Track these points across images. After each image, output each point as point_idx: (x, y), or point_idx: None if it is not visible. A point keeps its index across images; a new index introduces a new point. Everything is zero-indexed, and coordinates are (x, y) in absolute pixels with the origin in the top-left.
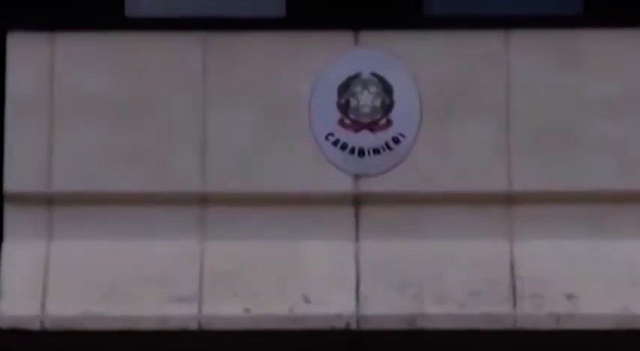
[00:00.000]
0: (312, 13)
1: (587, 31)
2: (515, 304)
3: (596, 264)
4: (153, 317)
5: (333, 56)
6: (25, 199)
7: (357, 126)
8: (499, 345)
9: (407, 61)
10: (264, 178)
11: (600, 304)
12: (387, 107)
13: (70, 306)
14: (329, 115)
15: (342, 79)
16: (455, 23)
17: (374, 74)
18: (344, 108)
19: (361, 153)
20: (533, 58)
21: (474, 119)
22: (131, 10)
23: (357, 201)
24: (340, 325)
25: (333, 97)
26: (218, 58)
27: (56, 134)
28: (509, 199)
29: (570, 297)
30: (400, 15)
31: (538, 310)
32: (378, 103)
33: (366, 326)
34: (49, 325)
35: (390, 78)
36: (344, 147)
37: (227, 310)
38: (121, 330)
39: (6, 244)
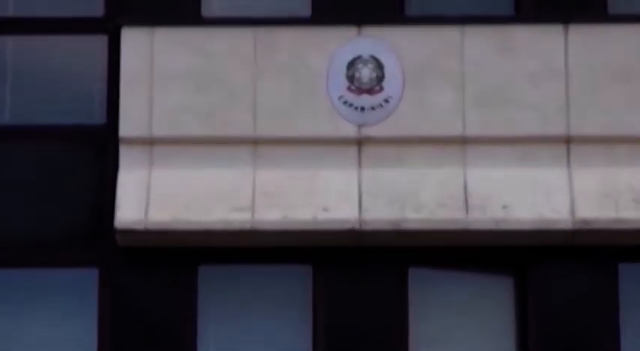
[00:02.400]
0: (328, 13)
1: (517, 26)
2: (467, 212)
3: (522, 185)
4: (220, 221)
5: (343, 43)
6: (133, 142)
7: (360, 91)
8: (456, 239)
9: (394, 46)
10: (296, 127)
11: (524, 212)
12: (380, 78)
13: (164, 214)
14: (340, 84)
15: (349, 59)
16: (426, 21)
17: (371, 56)
18: (350, 79)
19: (362, 109)
20: (480, 45)
21: (440, 86)
22: (206, 11)
23: (360, 142)
24: (348, 226)
25: (343, 72)
26: (264, 45)
27: (154, 97)
28: (463, 141)
29: (505, 207)
30: (389, 15)
31: (483, 216)
32: (374, 75)
33: (366, 227)
34: (150, 227)
35: (382, 58)
36: (350, 105)
37: (271, 216)
38: (199, 229)
39: (121, 173)
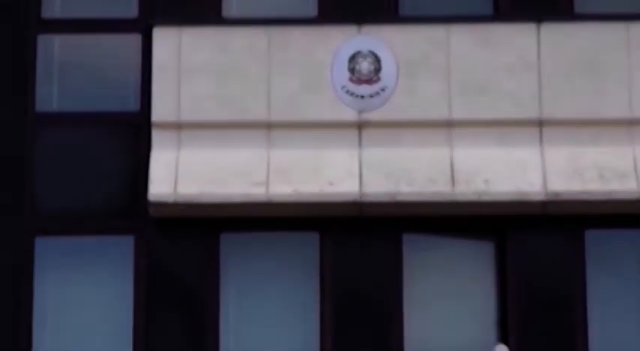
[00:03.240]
0: (332, 14)
1: (496, 24)
2: (453, 185)
3: (501, 162)
4: (239, 194)
5: (344, 40)
6: (164, 126)
7: (360, 81)
8: (444, 209)
9: (389, 43)
10: (305, 112)
11: (503, 185)
12: (377, 70)
13: (190, 188)
14: (343, 75)
15: (350, 53)
16: (417, 20)
17: (369, 51)
18: (352, 71)
19: (362, 97)
20: (463, 41)
21: (429, 77)
22: (226, 12)
23: (360, 126)
24: (350, 198)
25: (345, 65)
26: (276, 41)
27: (181, 87)
28: (449, 124)
29: (486, 181)
30: (385, 15)
31: (467, 189)
32: (372, 68)
33: (366, 199)
34: (178, 200)
35: (379, 53)
36: (352, 94)
37: (283, 190)
38: (221, 202)
39: (153, 153)
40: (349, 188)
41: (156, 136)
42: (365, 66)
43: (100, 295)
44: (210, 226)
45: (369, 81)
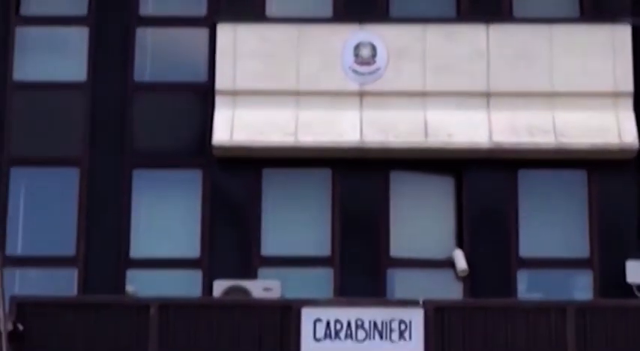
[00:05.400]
0: (342, 14)
1: (458, 24)
2: (426, 136)
3: (460, 121)
4: (276, 141)
5: (351, 34)
6: (224, 93)
7: (362, 63)
8: (420, 154)
9: (382, 36)
10: (323, 85)
11: (461, 137)
12: (374, 55)
13: (242, 136)
14: (349, 59)
15: (355, 43)
16: (403, 20)
17: (369, 42)
18: (356, 56)
19: (363, 74)
20: (435, 35)
21: (410, 61)
22: (268, 12)
23: (361, 94)
24: (354, 145)
25: (351, 51)
26: (303, 33)
27: (236, 66)
28: (424, 94)
29: (449, 135)
30: (380, 16)
31: (436, 140)
32: (370, 54)
33: (365, 146)
34: (233, 144)
35: (375, 43)
36: (356, 72)
37: (307, 139)
38: (263, 146)
39: (216, 111)
40: (353, 138)
41: (218, 99)
42: (365, 52)
43: (177, 211)
44: (255, 163)
45: (368, 63)
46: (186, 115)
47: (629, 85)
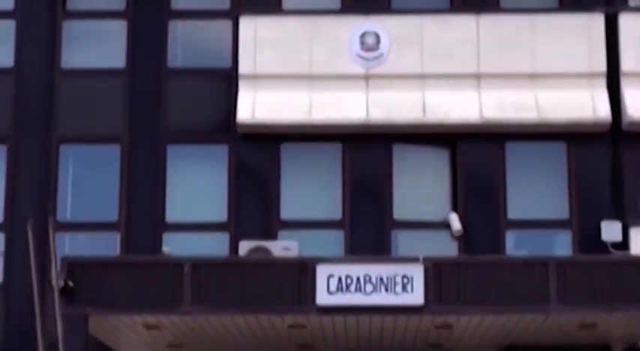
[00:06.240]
0: (349, 7)
1: (451, 14)
2: (424, 114)
3: (455, 99)
4: (292, 119)
5: (357, 24)
6: (246, 77)
7: (367, 50)
8: (419, 128)
9: (385, 26)
10: (333, 69)
11: (455, 113)
12: (378, 43)
13: (263, 114)
14: (356, 46)
15: (360, 32)
16: (402, 11)
17: (373, 31)
18: (362, 43)
19: (368, 60)
20: (432, 24)
21: (409, 48)
22: (284, 6)
23: (367, 77)
24: (361, 122)
25: (358, 39)
26: (316, 25)
27: (257, 53)
28: (422, 76)
29: (445, 112)
30: (383, 8)
31: (433, 116)
32: (374, 41)
33: (370, 123)
34: (255, 122)
35: (379, 32)
36: (362, 58)
37: (319, 117)
38: (281, 123)
39: (240, 93)
40: (360, 116)
41: (241, 82)
42: (370, 40)
43: (206, 181)
44: (275, 138)
45: (372, 49)
46: (213, 96)
47: (602, 67)
